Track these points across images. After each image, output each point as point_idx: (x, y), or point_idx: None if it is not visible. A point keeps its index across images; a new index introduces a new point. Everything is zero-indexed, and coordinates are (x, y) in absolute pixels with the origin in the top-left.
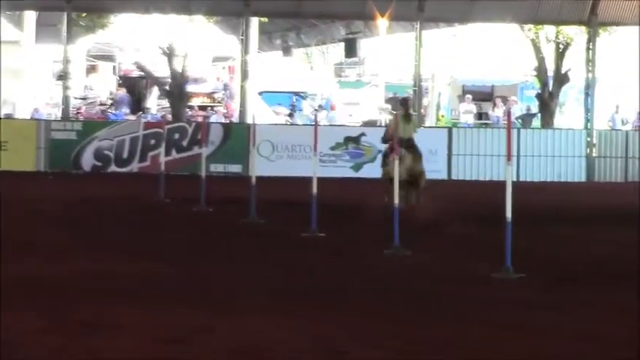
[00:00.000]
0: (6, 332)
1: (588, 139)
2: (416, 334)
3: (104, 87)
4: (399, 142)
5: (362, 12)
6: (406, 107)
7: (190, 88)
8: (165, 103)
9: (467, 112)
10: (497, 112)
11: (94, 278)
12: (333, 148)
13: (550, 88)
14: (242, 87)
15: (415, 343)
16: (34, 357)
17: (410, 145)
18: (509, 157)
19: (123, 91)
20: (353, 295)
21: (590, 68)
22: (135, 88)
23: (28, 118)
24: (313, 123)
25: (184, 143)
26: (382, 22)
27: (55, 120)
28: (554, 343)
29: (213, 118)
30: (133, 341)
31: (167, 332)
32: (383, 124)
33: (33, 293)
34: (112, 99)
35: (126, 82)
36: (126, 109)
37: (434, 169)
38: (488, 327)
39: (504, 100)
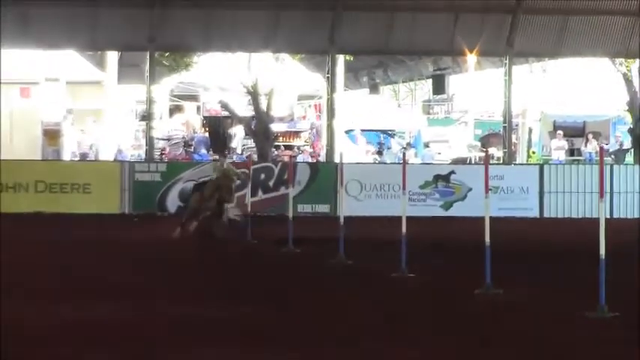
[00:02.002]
0: None
1: None
2: None
3: (188, 127)
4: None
5: (450, 48)
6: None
7: (276, 127)
8: (251, 142)
9: (558, 149)
10: (590, 148)
11: (183, 323)
12: (422, 187)
13: None
14: (329, 126)
15: None
16: None
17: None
18: (602, 193)
19: (202, 133)
20: (448, 337)
21: None
22: (220, 127)
23: (112, 159)
24: (401, 161)
25: (271, 183)
26: (471, 58)
27: (138, 161)
28: None
29: (299, 158)
30: None
31: None
32: (473, 162)
33: (121, 337)
34: (192, 140)
35: (210, 122)
36: (204, 151)
37: (525, 206)
38: None
39: (597, 135)
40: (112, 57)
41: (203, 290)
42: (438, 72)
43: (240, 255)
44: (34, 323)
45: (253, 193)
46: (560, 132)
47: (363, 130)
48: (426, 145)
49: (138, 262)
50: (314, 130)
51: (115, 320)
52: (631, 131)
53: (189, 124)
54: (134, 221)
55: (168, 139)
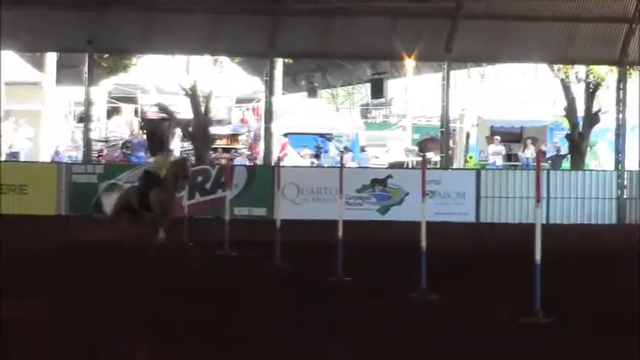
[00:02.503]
0: None
1: (619, 180)
2: None
3: (126, 129)
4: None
5: (388, 52)
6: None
7: (214, 130)
8: (189, 145)
9: (496, 154)
10: (527, 154)
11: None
12: (359, 191)
13: (580, 129)
14: (267, 129)
15: None
16: None
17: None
18: (538, 199)
19: (140, 135)
20: (381, 340)
21: (620, 108)
22: (157, 130)
23: (49, 161)
24: (339, 165)
25: (208, 186)
26: (409, 63)
27: (76, 163)
28: None
29: (237, 161)
30: None
31: None
32: (410, 167)
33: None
34: (129, 142)
35: (148, 124)
36: (142, 153)
37: (462, 211)
38: None
39: (534, 141)
40: (51, 58)
41: (137, 290)
42: (377, 76)
43: (176, 257)
44: None
45: (190, 196)
46: (497, 137)
47: (300, 134)
48: (362, 149)
49: (74, 263)
50: (252, 133)
51: (53, 319)
52: (568, 137)
53: (130, 123)
54: (71, 223)
55: (106, 141)
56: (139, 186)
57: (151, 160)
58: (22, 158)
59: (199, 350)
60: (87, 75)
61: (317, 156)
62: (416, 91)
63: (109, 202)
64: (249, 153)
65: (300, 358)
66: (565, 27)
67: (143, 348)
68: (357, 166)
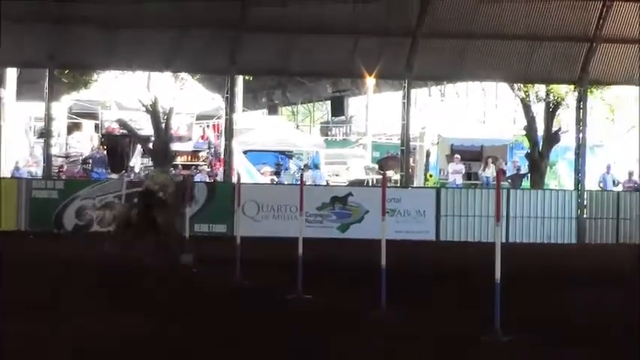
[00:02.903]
0: None
1: (579, 200)
2: None
3: (87, 145)
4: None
5: (349, 70)
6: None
7: (174, 146)
8: (149, 161)
9: (455, 172)
10: (487, 173)
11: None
12: (319, 208)
13: (540, 148)
14: (227, 146)
15: None
16: None
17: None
18: (498, 218)
19: (100, 151)
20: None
21: (580, 128)
22: (118, 146)
23: (9, 176)
24: (299, 183)
25: None
26: (370, 81)
27: (36, 178)
28: None
29: (197, 177)
30: None
31: None
32: (371, 184)
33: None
34: (89, 158)
35: (109, 140)
36: (102, 169)
37: (422, 229)
38: None
39: (494, 159)
40: (11, 73)
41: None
42: (337, 94)
43: (134, 274)
44: None
45: None
46: (457, 156)
47: (260, 151)
48: (316, 167)
49: (31, 279)
50: (212, 150)
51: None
52: (528, 156)
53: (91, 139)
54: (30, 238)
55: (67, 157)
56: (139, 205)
57: (149, 174)
58: None
59: None
60: (47, 90)
61: (277, 173)
62: (376, 109)
63: (104, 219)
64: (209, 170)
65: None
66: (525, 45)
67: None
68: (313, 182)
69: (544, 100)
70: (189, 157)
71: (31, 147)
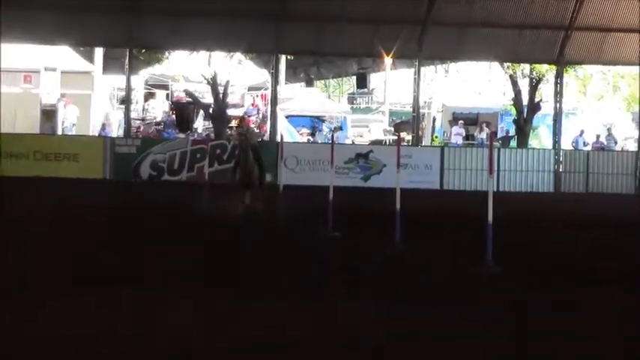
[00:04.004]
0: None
1: (556, 157)
2: (418, 315)
3: (159, 111)
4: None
5: (371, 51)
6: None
7: (230, 112)
8: (210, 124)
9: (457, 135)
10: (482, 135)
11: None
12: (346, 163)
13: (525, 115)
14: (272, 111)
15: (416, 324)
16: None
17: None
18: (490, 171)
19: (170, 115)
20: (365, 284)
21: (558, 99)
22: (184, 111)
23: (97, 135)
24: (330, 142)
25: (225, 157)
26: (387, 60)
27: (118, 137)
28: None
29: None
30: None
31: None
32: (388, 144)
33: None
34: (161, 121)
35: (177, 107)
36: (172, 130)
37: (429, 180)
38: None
39: (487, 124)
40: (99, 52)
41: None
42: (361, 70)
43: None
44: None
45: (211, 165)
46: (461, 121)
47: (299, 116)
48: (340, 128)
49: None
50: (260, 115)
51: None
52: (515, 122)
53: (164, 105)
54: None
55: (143, 120)
56: (249, 159)
57: (249, 131)
58: (73, 132)
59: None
60: (127, 66)
61: (312, 134)
62: (393, 83)
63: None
64: (258, 131)
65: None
66: (513, 32)
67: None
68: (341, 142)
69: (528, 76)
70: (242, 121)
71: (115, 112)
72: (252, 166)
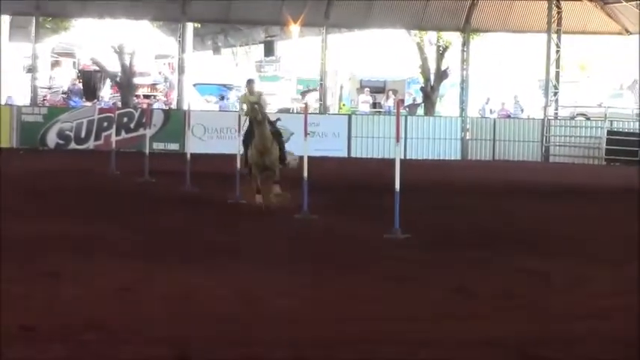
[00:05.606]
0: None
1: (463, 124)
2: (322, 283)
3: (66, 79)
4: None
5: (278, 19)
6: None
7: (137, 80)
8: (116, 92)
9: (364, 102)
10: (389, 103)
11: (54, 238)
12: None
13: (432, 83)
14: (179, 80)
15: (320, 290)
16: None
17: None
18: (397, 139)
19: (77, 84)
20: (267, 252)
21: (464, 67)
22: (91, 80)
23: (3, 104)
24: (237, 110)
25: (132, 125)
26: (294, 28)
27: (25, 106)
28: (423, 290)
29: (155, 105)
30: (84, 290)
31: (114, 282)
32: (295, 112)
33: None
34: (68, 90)
35: (84, 75)
36: (79, 98)
37: (337, 148)
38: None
39: (395, 92)
40: (4, 20)
41: (68, 211)
42: (269, 38)
43: (105, 183)
44: None
45: (118, 133)
46: (367, 89)
47: (206, 84)
48: None
49: (20, 189)
50: (167, 83)
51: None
52: (422, 89)
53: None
54: (20, 154)
55: (49, 88)
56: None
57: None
58: None
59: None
60: (34, 34)
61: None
62: (301, 51)
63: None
64: (165, 99)
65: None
66: (420, 1)
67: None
68: None
69: (435, 44)
70: (149, 89)
71: (21, 80)
72: (270, 143)
